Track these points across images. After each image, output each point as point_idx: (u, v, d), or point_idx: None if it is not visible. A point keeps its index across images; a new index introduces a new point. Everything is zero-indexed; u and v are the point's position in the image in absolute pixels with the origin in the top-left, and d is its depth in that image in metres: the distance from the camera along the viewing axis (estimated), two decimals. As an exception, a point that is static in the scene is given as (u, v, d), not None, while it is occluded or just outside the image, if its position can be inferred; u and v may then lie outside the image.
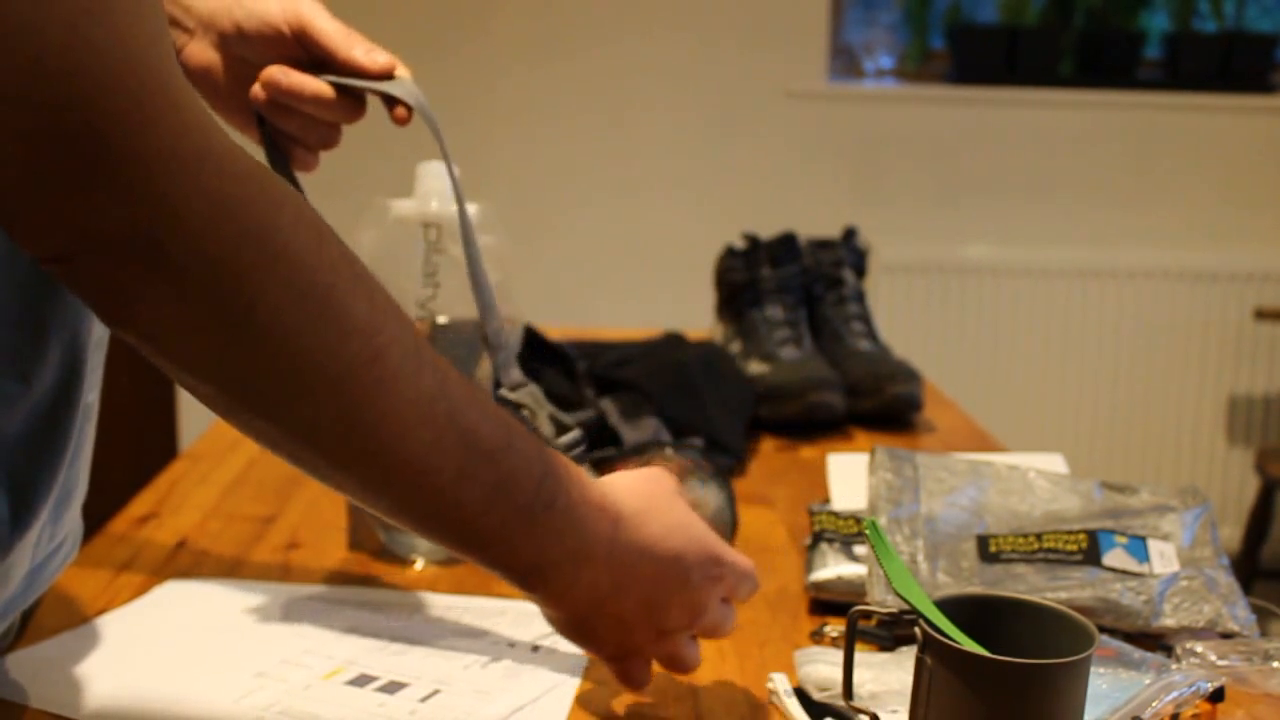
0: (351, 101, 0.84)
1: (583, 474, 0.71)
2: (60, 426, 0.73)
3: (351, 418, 0.60)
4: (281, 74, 0.81)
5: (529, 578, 0.70)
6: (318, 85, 0.82)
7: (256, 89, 0.82)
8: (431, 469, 0.62)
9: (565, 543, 0.68)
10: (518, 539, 0.67)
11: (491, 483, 0.65)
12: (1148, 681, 0.78)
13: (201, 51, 0.84)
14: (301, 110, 0.83)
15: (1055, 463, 1.13)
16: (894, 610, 0.67)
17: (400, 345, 0.61)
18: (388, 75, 0.84)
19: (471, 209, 0.92)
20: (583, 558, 0.69)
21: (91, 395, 0.77)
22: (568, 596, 0.71)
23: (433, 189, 1.03)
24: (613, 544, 0.70)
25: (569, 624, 0.73)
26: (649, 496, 0.73)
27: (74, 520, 0.83)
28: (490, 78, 3.06)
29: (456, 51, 3.04)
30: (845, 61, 3.33)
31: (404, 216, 1.04)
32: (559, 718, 0.79)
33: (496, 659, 0.86)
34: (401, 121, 0.85)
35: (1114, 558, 0.92)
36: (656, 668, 0.76)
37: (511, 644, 0.89)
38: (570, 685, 0.83)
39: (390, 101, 0.85)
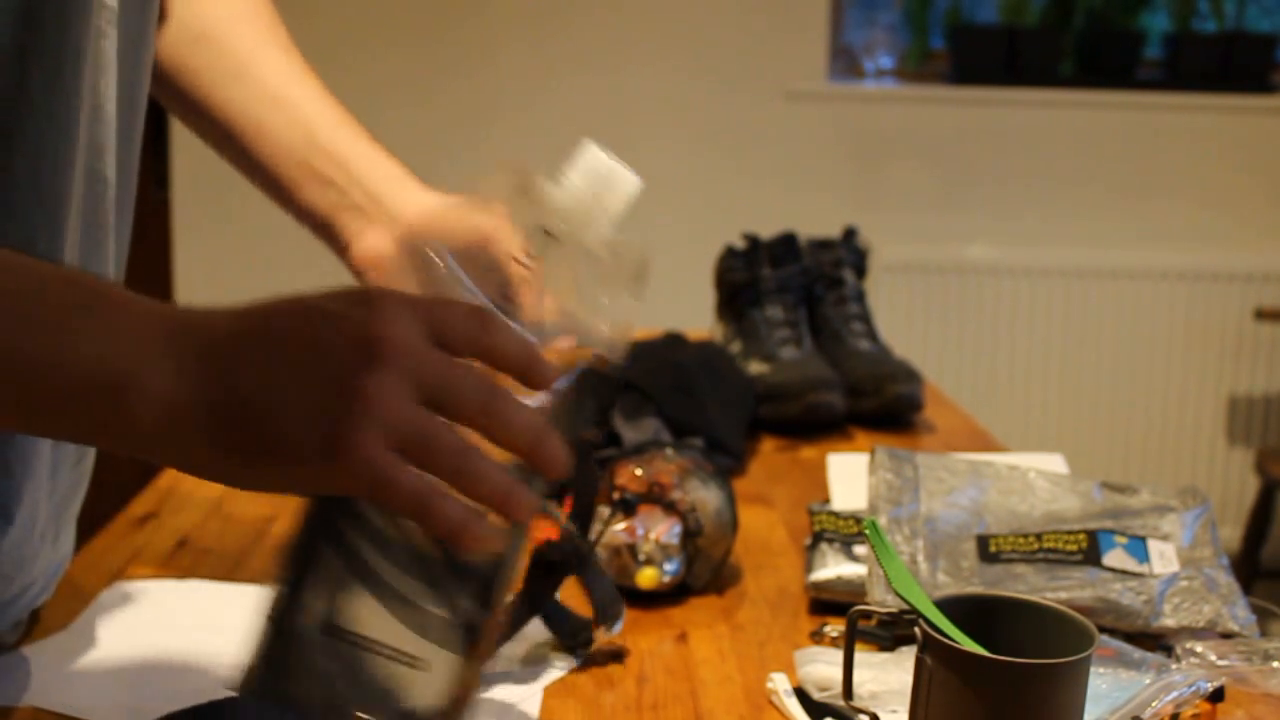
0: None
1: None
2: None
3: None
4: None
5: (119, 391, 0.55)
6: None
7: None
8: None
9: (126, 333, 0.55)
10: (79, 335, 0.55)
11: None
12: (1148, 681, 0.78)
13: (379, 241, 0.87)
14: None
15: (1055, 463, 1.13)
16: (894, 610, 0.67)
17: None
18: None
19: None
20: (148, 346, 0.55)
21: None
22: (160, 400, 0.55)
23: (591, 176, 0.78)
24: (179, 326, 0.56)
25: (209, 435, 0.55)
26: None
27: (44, 570, 0.82)
28: (488, 72, 3.06)
29: (452, 48, 3.04)
30: (845, 61, 3.33)
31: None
32: (555, 714, 0.79)
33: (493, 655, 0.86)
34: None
35: (1114, 558, 0.92)
36: (659, 670, 0.76)
37: (507, 639, 0.89)
38: (565, 681, 0.83)
39: None
